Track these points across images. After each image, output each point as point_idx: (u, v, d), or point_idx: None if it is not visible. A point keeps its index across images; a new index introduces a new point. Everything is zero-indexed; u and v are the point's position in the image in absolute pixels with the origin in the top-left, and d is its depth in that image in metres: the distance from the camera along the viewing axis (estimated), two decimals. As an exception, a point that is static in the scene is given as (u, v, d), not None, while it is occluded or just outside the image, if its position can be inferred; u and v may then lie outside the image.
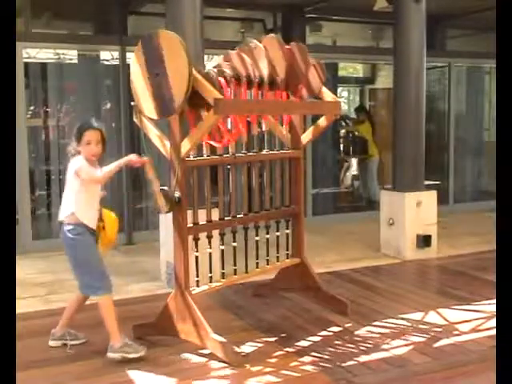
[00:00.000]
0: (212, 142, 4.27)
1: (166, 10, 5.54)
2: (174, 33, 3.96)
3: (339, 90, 13.28)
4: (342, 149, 11.13)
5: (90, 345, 4.11)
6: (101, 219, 4.03)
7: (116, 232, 4.17)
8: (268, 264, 4.80)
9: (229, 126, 4.39)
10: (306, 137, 5.01)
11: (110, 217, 4.14)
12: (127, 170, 7.13)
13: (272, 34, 4.66)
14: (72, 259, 3.94)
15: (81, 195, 3.88)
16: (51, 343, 4.14)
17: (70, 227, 3.87)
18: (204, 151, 4.30)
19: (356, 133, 10.63)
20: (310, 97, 4.77)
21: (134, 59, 4.04)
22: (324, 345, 4.15)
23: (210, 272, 4.34)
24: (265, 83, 4.39)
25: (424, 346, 4.12)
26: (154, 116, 3.99)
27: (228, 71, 4.15)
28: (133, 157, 4.01)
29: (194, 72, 3.81)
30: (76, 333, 4.18)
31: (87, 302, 4.12)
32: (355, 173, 11.42)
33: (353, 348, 4.10)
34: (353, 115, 11.22)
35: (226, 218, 4.47)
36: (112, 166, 3.92)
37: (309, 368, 3.79)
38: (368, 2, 7.52)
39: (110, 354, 3.84)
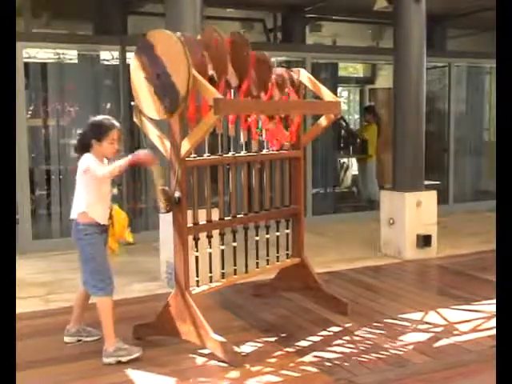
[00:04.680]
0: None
1: (165, 10, 5.54)
2: (169, 31, 3.94)
3: (339, 89, 13.27)
4: (341, 148, 11.10)
5: (91, 345, 4.10)
6: (110, 216, 3.99)
7: (125, 228, 4.10)
8: (268, 264, 4.80)
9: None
10: (305, 137, 5.01)
11: (119, 214, 4.09)
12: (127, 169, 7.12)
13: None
14: (80, 255, 3.95)
15: (92, 193, 3.85)
16: (66, 339, 4.16)
17: (81, 226, 3.87)
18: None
19: (361, 134, 10.59)
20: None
21: (133, 62, 4.02)
22: (324, 345, 4.15)
23: (210, 272, 4.33)
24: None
25: (424, 346, 4.12)
26: (156, 116, 3.98)
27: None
28: (141, 153, 3.82)
29: (194, 72, 3.81)
30: (91, 329, 4.19)
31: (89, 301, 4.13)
32: (355, 172, 11.40)
33: (353, 348, 4.10)
34: (355, 115, 11.19)
35: (226, 218, 4.46)
36: (119, 164, 3.77)
37: (309, 368, 3.79)
38: (368, 1, 7.52)
39: (104, 359, 3.84)
